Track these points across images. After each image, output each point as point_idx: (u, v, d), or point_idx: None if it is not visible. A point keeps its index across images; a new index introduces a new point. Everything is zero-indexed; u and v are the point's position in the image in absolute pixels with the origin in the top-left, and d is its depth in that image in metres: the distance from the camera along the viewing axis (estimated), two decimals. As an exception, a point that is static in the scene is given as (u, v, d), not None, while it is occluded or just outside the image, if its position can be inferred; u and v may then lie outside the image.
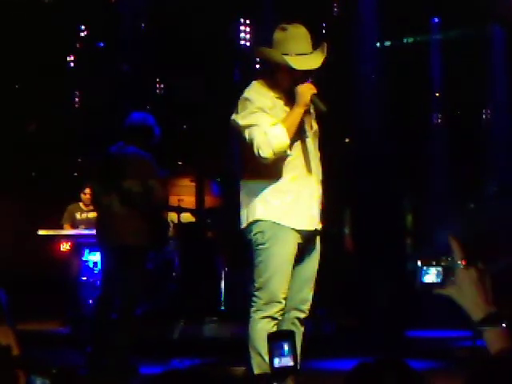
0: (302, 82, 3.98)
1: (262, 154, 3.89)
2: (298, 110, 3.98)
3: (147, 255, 5.86)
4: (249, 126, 3.95)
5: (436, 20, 11.41)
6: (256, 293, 3.98)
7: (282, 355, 3.02)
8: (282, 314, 4.00)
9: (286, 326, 4.01)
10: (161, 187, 5.62)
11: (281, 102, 4.05)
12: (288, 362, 3.00)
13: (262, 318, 3.92)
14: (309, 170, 4.09)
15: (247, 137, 3.95)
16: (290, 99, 4.04)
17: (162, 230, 5.80)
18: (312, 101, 3.98)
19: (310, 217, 4.07)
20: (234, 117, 4.04)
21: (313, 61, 4.03)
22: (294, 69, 3.96)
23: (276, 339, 3.03)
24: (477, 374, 1.67)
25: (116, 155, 5.66)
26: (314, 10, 10.21)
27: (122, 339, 5.49)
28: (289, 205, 4.01)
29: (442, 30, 11.42)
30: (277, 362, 3.00)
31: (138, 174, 5.50)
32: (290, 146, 3.96)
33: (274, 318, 3.93)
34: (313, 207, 4.09)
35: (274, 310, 3.95)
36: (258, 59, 8.95)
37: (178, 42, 10.25)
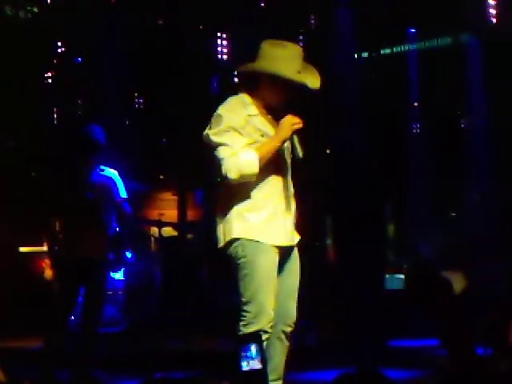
0: (291, 101, 3.98)
1: (228, 176, 3.88)
2: (275, 144, 3.96)
3: (108, 269, 5.86)
4: (220, 145, 3.93)
5: (412, 30, 11.50)
6: (244, 307, 3.93)
7: (249, 358, 2.99)
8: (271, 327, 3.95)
9: (271, 341, 3.96)
10: (127, 204, 5.71)
11: (254, 121, 4.01)
12: (255, 364, 2.97)
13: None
14: (284, 185, 4.08)
15: (217, 155, 3.93)
16: (267, 118, 4.02)
17: (119, 246, 5.82)
18: (291, 140, 3.95)
19: (285, 232, 4.07)
20: (206, 131, 4.01)
21: (315, 81, 4.05)
22: (300, 87, 3.95)
23: (243, 342, 3.00)
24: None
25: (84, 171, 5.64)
26: (292, 22, 10.27)
27: (85, 353, 5.52)
28: (265, 221, 4.00)
29: (418, 40, 11.51)
30: (245, 365, 2.97)
31: (106, 191, 5.59)
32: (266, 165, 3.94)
33: (264, 331, 3.87)
34: (287, 223, 4.10)
35: (264, 322, 3.89)
36: (236, 73, 8.94)
37: (156, 55, 10.25)
